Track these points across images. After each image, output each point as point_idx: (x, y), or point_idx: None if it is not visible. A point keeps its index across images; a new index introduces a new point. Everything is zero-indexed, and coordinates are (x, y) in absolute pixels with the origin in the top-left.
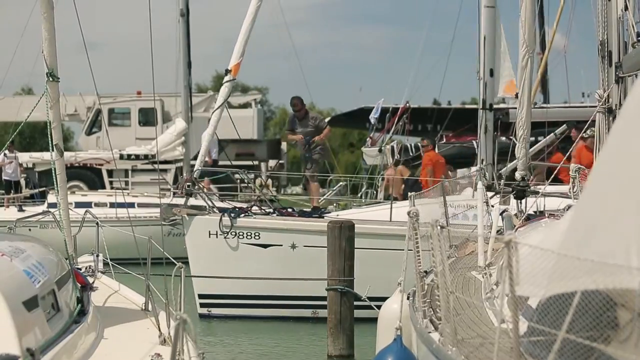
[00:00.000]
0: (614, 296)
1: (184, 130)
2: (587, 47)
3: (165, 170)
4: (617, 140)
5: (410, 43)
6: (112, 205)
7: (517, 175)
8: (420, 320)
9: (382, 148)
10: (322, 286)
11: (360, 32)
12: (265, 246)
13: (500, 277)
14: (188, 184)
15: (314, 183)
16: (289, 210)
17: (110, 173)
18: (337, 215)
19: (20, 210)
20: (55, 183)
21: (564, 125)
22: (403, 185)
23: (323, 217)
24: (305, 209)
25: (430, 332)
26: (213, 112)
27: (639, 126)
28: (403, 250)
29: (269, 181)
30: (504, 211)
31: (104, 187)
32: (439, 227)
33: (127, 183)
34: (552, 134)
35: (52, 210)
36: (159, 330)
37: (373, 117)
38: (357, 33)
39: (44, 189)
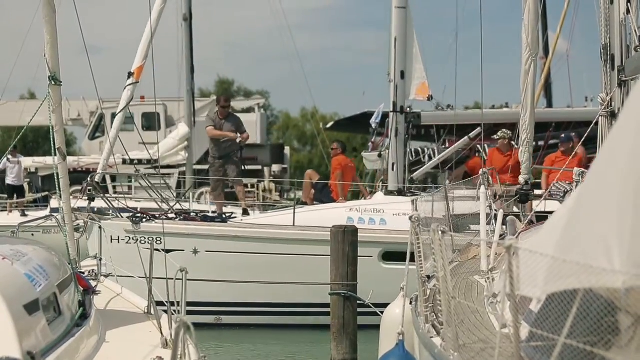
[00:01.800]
0: (614, 300)
1: (187, 135)
2: (590, 50)
3: (168, 175)
4: (610, 145)
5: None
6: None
7: (521, 179)
8: (422, 325)
9: (382, 153)
10: (226, 291)
11: (363, 36)
12: (167, 251)
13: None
14: (90, 188)
15: (240, 186)
16: (192, 214)
17: (113, 178)
18: (241, 220)
19: (23, 215)
20: (57, 187)
21: (478, 128)
22: (312, 190)
23: (227, 222)
24: (207, 214)
25: (432, 337)
26: (116, 115)
27: (632, 132)
28: (305, 254)
29: (272, 186)
30: (507, 215)
31: (107, 192)
32: (440, 232)
33: (129, 188)
34: (466, 137)
35: (55, 215)
36: (161, 333)
37: (374, 121)
38: (359, 37)
39: (46, 193)
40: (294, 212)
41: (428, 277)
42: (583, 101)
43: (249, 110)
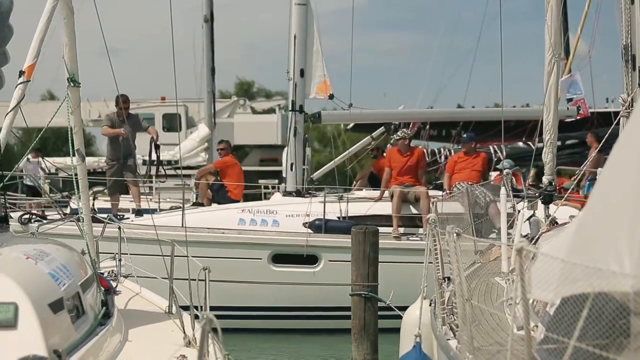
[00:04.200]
0: (627, 303)
1: (207, 136)
2: (610, 51)
3: (188, 176)
4: (620, 150)
5: (433, 48)
6: (134, 210)
7: (545, 179)
8: (439, 327)
9: None
10: None
11: (383, 37)
12: None
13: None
14: None
15: (135, 187)
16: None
17: None
18: (132, 221)
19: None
20: (76, 188)
21: (382, 127)
22: (209, 191)
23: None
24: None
25: (449, 339)
26: (6, 115)
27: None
28: (192, 257)
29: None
30: (531, 216)
31: (127, 193)
32: (455, 235)
33: (150, 189)
34: (368, 137)
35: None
36: (184, 332)
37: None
38: (379, 38)
39: (66, 194)
40: (183, 213)
41: (447, 279)
42: (604, 102)
43: (270, 111)
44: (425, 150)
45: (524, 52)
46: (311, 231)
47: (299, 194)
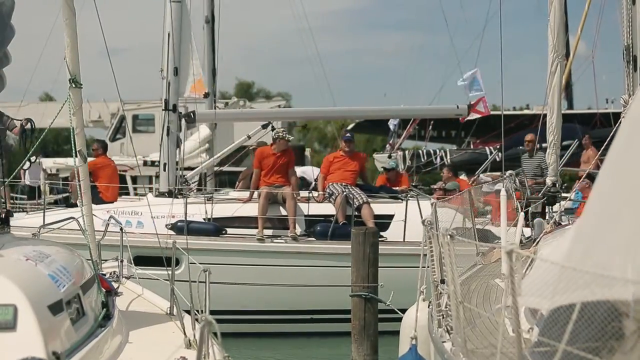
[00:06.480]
0: (619, 306)
1: (208, 137)
2: (611, 52)
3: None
4: (617, 152)
5: (433, 49)
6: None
7: (548, 180)
8: (435, 329)
9: (392, 154)
10: None
11: (383, 38)
12: None
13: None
14: None
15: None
16: None
17: (134, 179)
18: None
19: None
20: (78, 189)
21: (270, 125)
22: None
23: None
24: None
25: (444, 342)
26: None
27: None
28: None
29: None
30: (535, 217)
31: (128, 194)
32: (448, 237)
33: (151, 189)
34: (245, 136)
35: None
36: (184, 333)
37: (392, 123)
38: (379, 39)
39: (67, 194)
40: (44, 214)
41: (442, 281)
42: (604, 103)
43: None
44: (420, 151)
45: (526, 52)
46: (174, 233)
47: (171, 194)
